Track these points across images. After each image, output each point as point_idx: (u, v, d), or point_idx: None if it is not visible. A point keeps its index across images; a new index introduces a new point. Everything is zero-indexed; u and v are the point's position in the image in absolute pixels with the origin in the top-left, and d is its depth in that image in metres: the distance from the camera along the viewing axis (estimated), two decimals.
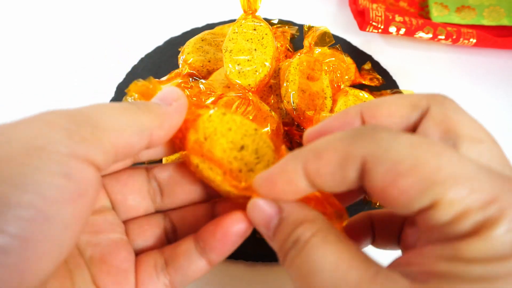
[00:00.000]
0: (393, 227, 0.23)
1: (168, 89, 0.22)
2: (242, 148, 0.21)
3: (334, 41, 0.37)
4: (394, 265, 0.16)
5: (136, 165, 0.24)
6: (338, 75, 0.39)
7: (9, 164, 0.15)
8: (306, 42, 0.37)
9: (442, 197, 0.14)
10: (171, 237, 0.24)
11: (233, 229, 0.20)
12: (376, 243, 0.24)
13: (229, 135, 0.21)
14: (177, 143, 0.22)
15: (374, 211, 0.24)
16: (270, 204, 0.19)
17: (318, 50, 0.40)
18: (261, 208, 0.19)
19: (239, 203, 0.21)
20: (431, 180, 0.14)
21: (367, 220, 0.24)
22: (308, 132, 0.21)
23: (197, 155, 0.21)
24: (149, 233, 0.23)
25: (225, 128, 0.21)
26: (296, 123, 0.36)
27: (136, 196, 0.23)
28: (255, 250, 0.32)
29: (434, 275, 0.14)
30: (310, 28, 0.37)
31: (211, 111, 0.22)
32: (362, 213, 0.24)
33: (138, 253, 0.23)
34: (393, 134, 0.16)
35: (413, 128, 0.19)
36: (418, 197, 0.15)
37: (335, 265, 0.15)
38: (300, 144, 0.36)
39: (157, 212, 0.24)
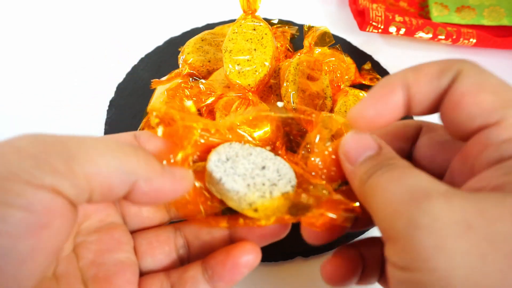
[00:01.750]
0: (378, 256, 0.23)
1: (178, 167, 0.21)
2: (263, 168, 0.22)
3: (334, 41, 0.37)
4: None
5: None
6: (338, 75, 0.39)
7: None
8: (306, 42, 0.37)
9: (510, 116, 0.16)
10: (182, 254, 0.23)
11: (243, 260, 0.21)
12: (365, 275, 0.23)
13: (250, 158, 0.23)
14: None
15: (358, 241, 0.24)
16: (369, 138, 0.20)
17: (318, 50, 0.40)
18: (366, 137, 0.20)
19: (254, 223, 0.22)
20: (508, 101, 0.17)
21: (353, 253, 0.23)
22: (359, 107, 0.20)
23: (219, 170, 0.22)
24: (158, 250, 0.23)
25: (246, 153, 0.23)
26: (296, 123, 0.36)
27: (151, 207, 0.23)
28: None
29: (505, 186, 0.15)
30: (310, 28, 0.37)
31: (232, 142, 0.23)
32: (344, 248, 0.23)
33: (145, 273, 0.22)
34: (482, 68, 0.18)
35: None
36: (491, 110, 0.17)
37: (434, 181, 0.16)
38: (300, 144, 0.36)
39: (171, 223, 0.24)
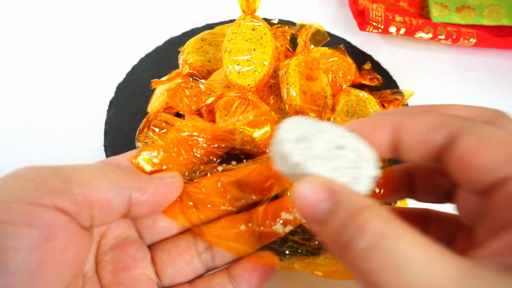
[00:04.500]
0: (439, 185, 0.22)
1: (166, 171, 0.22)
2: (340, 147, 0.20)
3: (329, 38, 0.36)
4: (483, 256, 0.15)
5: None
6: (340, 75, 0.39)
7: None
8: (300, 41, 0.36)
9: None
10: (206, 259, 0.23)
11: (270, 267, 0.22)
12: (416, 197, 0.23)
13: (323, 136, 0.20)
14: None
15: (413, 166, 0.23)
16: (317, 189, 0.17)
17: (315, 49, 0.40)
18: (307, 194, 0.17)
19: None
20: None
21: (403, 173, 0.23)
22: (353, 123, 0.20)
23: (296, 153, 0.19)
24: (178, 260, 0.23)
25: (316, 129, 0.21)
26: None
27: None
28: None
29: None
30: (302, 26, 0.37)
31: (297, 116, 0.21)
32: (398, 166, 0.23)
33: (169, 286, 0.23)
34: (484, 124, 0.17)
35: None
36: (503, 164, 0.15)
37: (427, 260, 0.14)
38: None
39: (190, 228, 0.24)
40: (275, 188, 0.24)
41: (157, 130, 0.24)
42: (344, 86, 0.39)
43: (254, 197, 0.24)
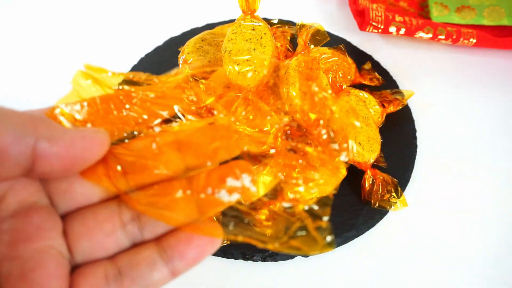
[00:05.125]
0: None
1: (90, 127, 0.18)
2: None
3: (329, 38, 0.36)
4: None
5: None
6: (340, 75, 0.39)
7: None
8: (300, 40, 0.37)
9: None
10: (132, 230, 0.19)
11: (209, 238, 0.19)
12: None
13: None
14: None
15: None
16: None
17: (313, 48, 0.40)
18: None
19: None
20: None
21: None
22: None
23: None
24: (95, 230, 0.18)
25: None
26: (296, 123, 0.36)
27: (86, 179, 0.19)
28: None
29: None
30: (302, 26, 0.37)
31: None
32: None
33: (85, 262, 0.18)
34: None
35: None
36: None
37: None
38: (299, 144, 0.36)
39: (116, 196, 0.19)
40: (221, 152, 0.20)
41: (82, 82, 0.19)
42: (344, 86, 0.39)
43: (195, 161, 0.20)
